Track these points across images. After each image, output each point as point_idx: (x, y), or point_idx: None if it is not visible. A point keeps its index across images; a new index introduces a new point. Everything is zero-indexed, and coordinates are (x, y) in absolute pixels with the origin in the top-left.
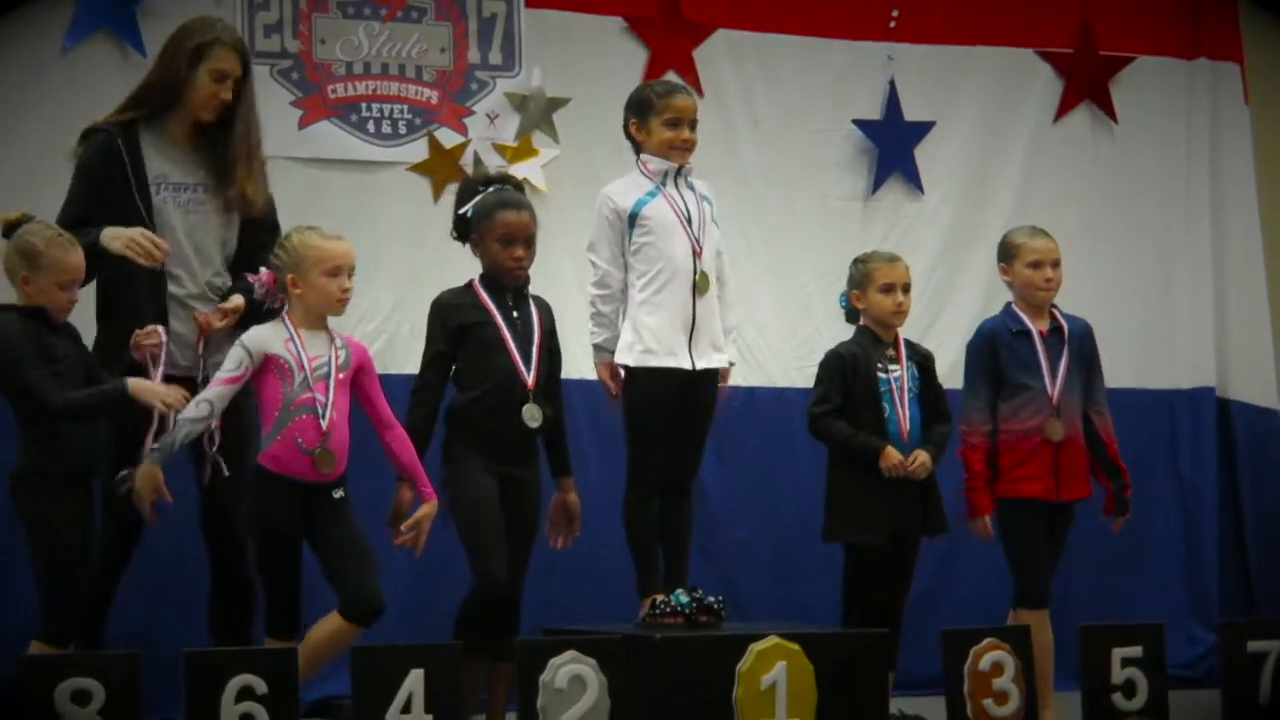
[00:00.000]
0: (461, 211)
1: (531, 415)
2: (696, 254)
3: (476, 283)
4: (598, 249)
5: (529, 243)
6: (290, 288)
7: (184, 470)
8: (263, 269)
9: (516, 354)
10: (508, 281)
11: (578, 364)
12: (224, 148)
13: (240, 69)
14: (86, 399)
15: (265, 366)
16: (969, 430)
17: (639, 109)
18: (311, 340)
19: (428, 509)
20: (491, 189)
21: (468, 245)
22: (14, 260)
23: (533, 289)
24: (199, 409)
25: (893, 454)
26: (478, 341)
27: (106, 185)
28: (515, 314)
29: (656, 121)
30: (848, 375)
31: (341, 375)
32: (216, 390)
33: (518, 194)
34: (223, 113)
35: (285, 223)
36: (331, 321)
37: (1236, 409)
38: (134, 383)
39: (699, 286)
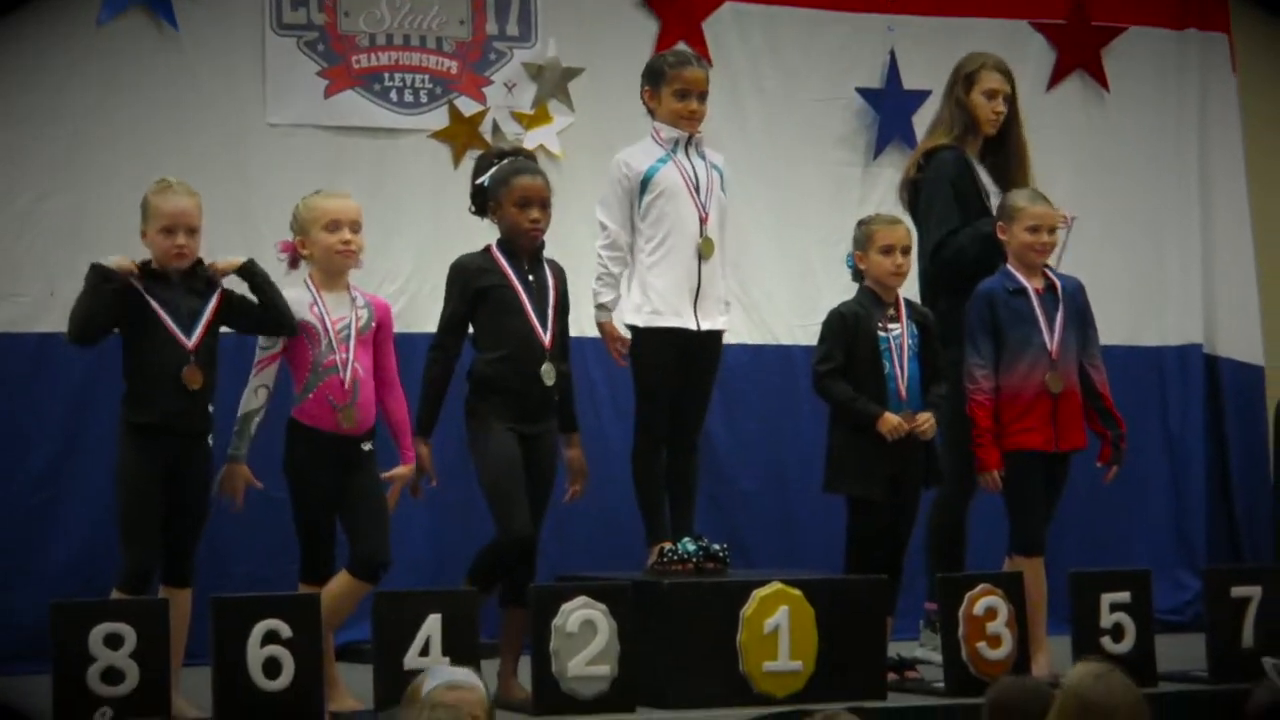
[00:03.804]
0: (479, 182)
1: (549, 374)
2: (703, 220)
3: (494, 247)
4: (609, 211)
5: (544, 206)
6: (300, 249)
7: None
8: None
9: (534, 316)
10: (525, 244)
11: (591, 324)
12: None
13: None
14: (76, 305)
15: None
16: (974, 388)
17: (652, 78)
18: (334, 302)
19: (403, 470)
20: (506, 160)
21: (486, 218)
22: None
23: (548, 252)
24: (258, 396)
25: (891, 419)
26: (495, 304)
27: None
28: (531, 277)
29: (667, 91)
30: (849, 334)
31: (364, 335)
32: (266, 371)
33: (531, 161)
34: None
35: (313, 188)
36: (354, 280)
37: (1224, 365)
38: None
39: (703, 252)
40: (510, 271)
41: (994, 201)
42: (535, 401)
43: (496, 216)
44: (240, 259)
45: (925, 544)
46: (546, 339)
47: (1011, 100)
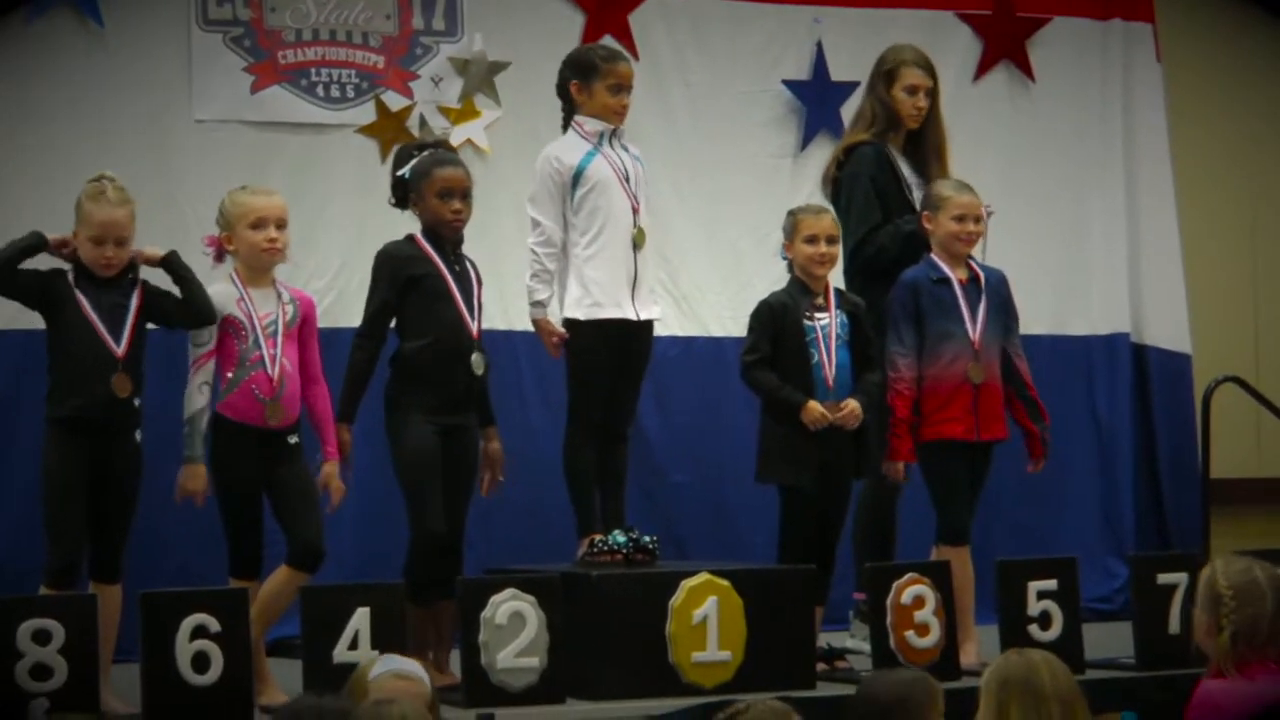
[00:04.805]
0: (400, 174)
1: (479, 363)
2: (635, 210)
3: (419, 236)
4: (541, 207)
5: (465, 196)
6: (226, 245)
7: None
8: (206, 235)
9: (462, 305)
10: (447, 234)
11: (522, 317)
12: None
13: None
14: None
15: (222, 326)
16: (895, 376)
17: (582, 71)
18: (260, 298)
19: (329, 468)
20: (426, 152)
21: (407, 210)
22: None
23: (477, 246)
24: (202, 394)
25: (814, 408)
26: (424, 292)
27: None
28: (457, 267)
29: (600, 85)
30: (776, 324)
31: (290, 330)
32: (205, 368)
33: (451, 153)
34: None
35: (240, 184)
36: (282, 275)
37: (1151, 353)
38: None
39: (637, 241)
40: (438, 260)
41: (917, 195)
42: (460, 390)
43: (418, 209)
44: (161, 251)
45: (854, 534)
46: (474, 328)
47: (933, 94)
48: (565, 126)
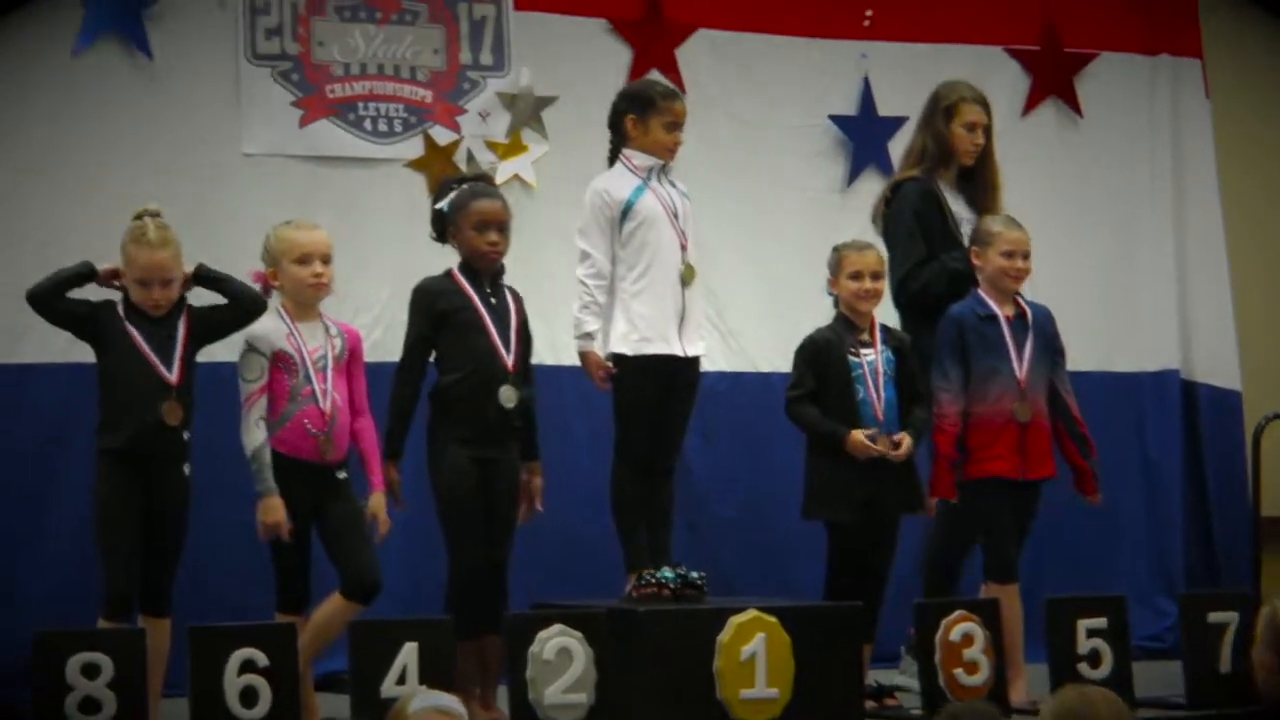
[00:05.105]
0: (438, 207)
1: (507, 396)
2: (683, 246)
3: (456, 270)
4: (591, 239)
5: (503, 229)
6: (271, 280)
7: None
8: (252, 270)
9: (496, 337)
10: (483, 266)
11: (569, 352)
12: None
13: None
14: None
15: (272, 361)
16: (938, 413)
17: (640, 105)
18: (309, 332)
19: (377, 500)
20: (465, 184)
21: (446, 244)
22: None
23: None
24: (260, 429)
25: (857, 437)
26: (458, 325)
27: None
28: (493, 300)
29: (657, 122)
30: (820, 360)
31: (339, 363)
32: (259, 403)
33: (490, 186)
34: None
35: (288, 218)
36: (330, 309)
37: (1200, 390)
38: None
39: (685, 278)
40: (472, 293)
41: (968, 230)
42: (493, 424)
43: (456, 241)
44: (189, 269)
45: (921, 569)
46: (509, 361)
47: (988, 130)
48: (612, 159)
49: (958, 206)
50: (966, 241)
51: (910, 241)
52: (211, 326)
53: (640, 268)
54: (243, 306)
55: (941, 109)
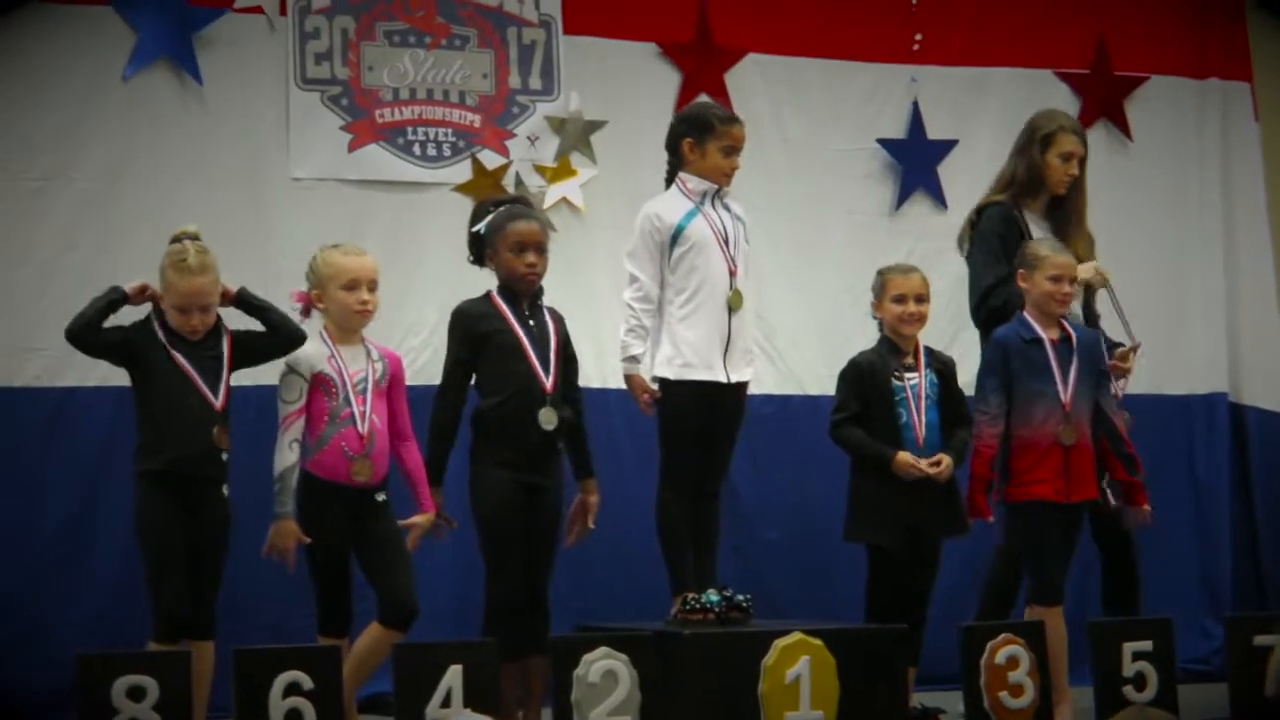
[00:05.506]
0: (475, 229)
1: (546, 418)
2: (732, 273)
3: (494, 293)
4: (639, 263)
5: (540, 250)
6: (316, 302)
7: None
8: (294, 290)
9: (535, 360)
10: (522, 288)
11: (616, 375)
12: None
13: None
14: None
15: (312, 383)
16: (976, 435)
17: (699, 129)
18: (350, 355)
19: (422, 519)
20: (502, 207)
21: (484, 267)
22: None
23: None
24: (293, 451)
25: (904, 458)
26: (496, 348)
27: None
28: (531, 322)
29: (714, 146)
30: (864, 383)
31: (380, 387)
32: (295, 426)
33: (527, 207)
34: None
35: (336, 242)
36: (376, 333)
37: (1249, 413)
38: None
39: (732, 304)
40: (510, 316)
41: None
42: (534, 446)
43: (494, 263)
44: (232, 289)
45: (981, 591)
46: (548, 383)
47: (1082, 161)
48: (669, 181)
49: (1040, 234)
50: None
51: (993, 260)
52: (250, 353)
53: (688, 292)
54: (282, 337)
55: (1038, 138)
